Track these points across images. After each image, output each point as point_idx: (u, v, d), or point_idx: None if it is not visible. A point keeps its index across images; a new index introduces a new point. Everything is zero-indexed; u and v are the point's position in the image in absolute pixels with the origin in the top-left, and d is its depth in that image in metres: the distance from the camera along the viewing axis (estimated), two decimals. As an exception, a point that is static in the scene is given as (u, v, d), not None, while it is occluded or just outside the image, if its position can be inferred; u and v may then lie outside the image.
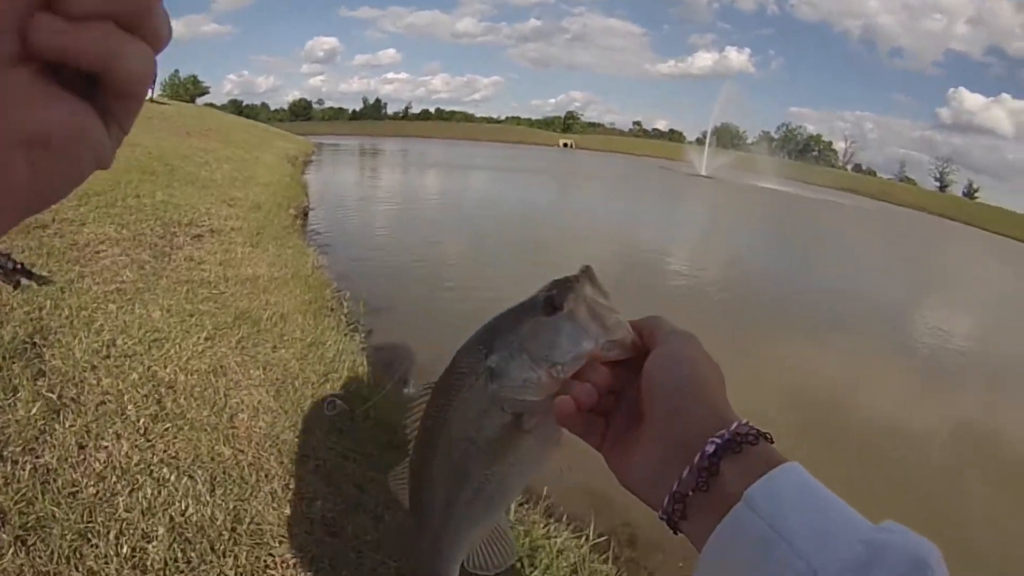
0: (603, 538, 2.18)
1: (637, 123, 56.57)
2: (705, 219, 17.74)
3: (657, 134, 55.05)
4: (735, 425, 0.38)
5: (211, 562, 1.56)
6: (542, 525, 2.10)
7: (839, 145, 69.85)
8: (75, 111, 0.25)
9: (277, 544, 1.67)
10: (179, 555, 1.55)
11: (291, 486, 1.95)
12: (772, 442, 0.38)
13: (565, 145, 43.05)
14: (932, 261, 17.52)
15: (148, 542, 1.56)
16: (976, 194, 60.23)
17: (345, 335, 3.70)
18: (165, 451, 1.94)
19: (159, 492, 1.73)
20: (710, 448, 0.37)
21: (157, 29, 0.26)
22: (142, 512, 1.64)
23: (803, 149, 64.74)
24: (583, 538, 2.13)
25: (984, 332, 8.55)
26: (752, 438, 0.37)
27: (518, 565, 1.83)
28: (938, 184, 61.15)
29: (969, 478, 3.93)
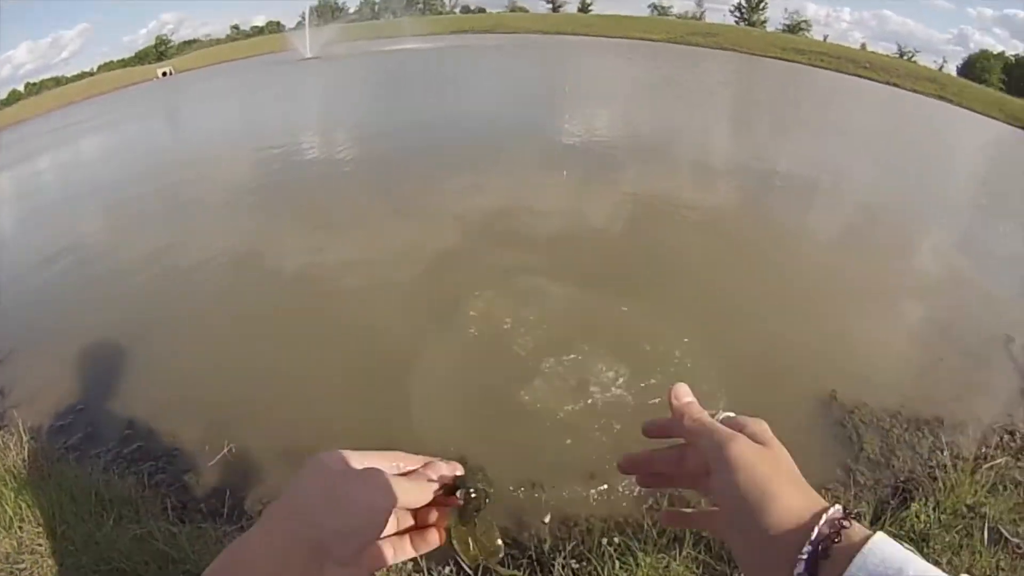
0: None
1: (235, 27, 51.42)
2: (310, 100, 18.41)
3: (257, 31, 51.10)
4: (815, 533, 0.39)
5: None
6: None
7: (447, -8, 69.94)
8: None
9: None
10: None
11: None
12: (853, 516, 0.40)
13: (164, 74, 37.50)
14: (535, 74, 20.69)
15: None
16: (590, 8, 63.03)
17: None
18: None
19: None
20: (800, 567, 0.38)
21: None
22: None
23: (407, 4, 65.14)
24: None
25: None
26: (834, 535, 0.39)
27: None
28: (550, 6, 64.21)
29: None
